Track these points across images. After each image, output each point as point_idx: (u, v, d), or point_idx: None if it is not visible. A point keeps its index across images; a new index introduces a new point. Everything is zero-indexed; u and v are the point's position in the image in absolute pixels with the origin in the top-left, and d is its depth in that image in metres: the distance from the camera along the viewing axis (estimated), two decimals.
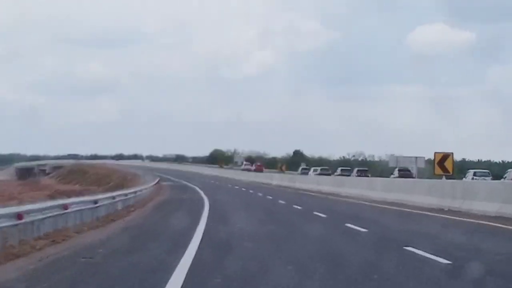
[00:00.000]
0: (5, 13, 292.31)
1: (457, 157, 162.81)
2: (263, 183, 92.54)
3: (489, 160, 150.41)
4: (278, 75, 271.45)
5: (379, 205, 43.47)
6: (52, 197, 53.14)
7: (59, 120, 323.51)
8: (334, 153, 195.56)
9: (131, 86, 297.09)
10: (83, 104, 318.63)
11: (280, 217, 33.06)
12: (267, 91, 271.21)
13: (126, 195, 42.70)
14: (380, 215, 35.55)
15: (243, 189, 74.73)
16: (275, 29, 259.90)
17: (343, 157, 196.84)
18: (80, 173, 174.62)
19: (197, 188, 74.33)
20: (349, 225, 26.80)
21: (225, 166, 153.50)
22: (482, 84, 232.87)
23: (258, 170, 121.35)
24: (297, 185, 77.46)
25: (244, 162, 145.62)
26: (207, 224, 27.14)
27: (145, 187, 59.17)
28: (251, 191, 69.04)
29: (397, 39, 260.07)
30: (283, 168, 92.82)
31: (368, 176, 78.34)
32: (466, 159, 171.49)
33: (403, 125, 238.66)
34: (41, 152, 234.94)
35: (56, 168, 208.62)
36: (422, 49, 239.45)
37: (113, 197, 35.89)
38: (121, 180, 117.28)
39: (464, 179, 63.30)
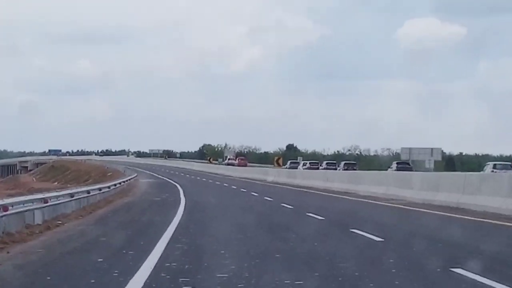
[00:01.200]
0: None
1: (452, 151, 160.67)
2: (257, 180, 78.75)
3: (488, 154, 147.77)
4: (268, 71, 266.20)
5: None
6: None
7: (49, 117, 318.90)
8: (330, 147, 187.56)
9: (123, 83, 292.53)
10: (74, 102, 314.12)
11: (292, 237, 19.15)
12: (258, 87, 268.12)
13: (72, 195, 29.09)
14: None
15: (233, 187, 60.96)
16: (265, 26, 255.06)
17: (338, 151, 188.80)
18: (61, 170, 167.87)
19: (178, 186, 60.67)
20: None
21: (214, 162, 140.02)
22: (474, 79, 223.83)
23: (241, 164, 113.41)
24: (298, 181, 63.44)
25: (228, 157, 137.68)
26: (162, 260, 13.37)
27: (107, 185, 45.21)
28: (242, 189, 55.20)
29: (387, 34, 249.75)
30: (280, 162, 78.08)
31: (355, 170, 71.24)
32: (463, 153, 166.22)
33: (396, 120, 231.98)
34: (31, 149, 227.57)
35: (38, 164, 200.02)
36: (413, 44, 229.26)
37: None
38: (100, 176, 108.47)
39: (482, 172, 54.98)
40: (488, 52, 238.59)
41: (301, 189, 55.84)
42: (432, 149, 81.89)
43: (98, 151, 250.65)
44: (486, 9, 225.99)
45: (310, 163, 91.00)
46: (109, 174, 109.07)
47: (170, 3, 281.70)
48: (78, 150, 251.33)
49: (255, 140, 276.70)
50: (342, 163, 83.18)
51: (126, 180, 61.39)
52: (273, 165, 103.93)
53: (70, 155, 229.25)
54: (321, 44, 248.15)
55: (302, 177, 64.09)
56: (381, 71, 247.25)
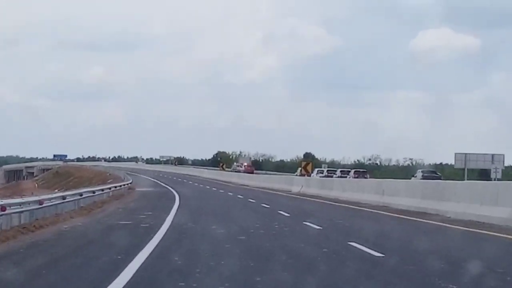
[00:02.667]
0: (11, 17, 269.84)
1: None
2: (279, 190, 61.48)
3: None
4: (282, 79, 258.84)
5: None
6: None
7: (62, 123, 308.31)
8: (350, 156, 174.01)
9: (136, 90, 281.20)
10: (87, 108, 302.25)
11: None
12: (272, 96, 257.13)
13: None
14: None
15: (250, 200, 43.70)
16: (278, 35, 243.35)
17: (358, 160, 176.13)
18: (64, 176, 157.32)
19: (176, 198, 43.79)
20: None
21: (227, 169, 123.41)
22: (488, 89, 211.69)
23: (248, 171, 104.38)
24: (336, 193, 46.07)
25: (235, 163, 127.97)
26: None
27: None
28: (265, 205, 37.92)
29: (401, 44, 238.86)
30: (309, 168, 59.88)
31: (366, 178, 62.24)
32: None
33: (410, 130, 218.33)
34: (44, 155, 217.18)
35: (44, 170, 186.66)
36: (426, 54, 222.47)
37: None
38: (100, 183, 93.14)
39: None
40: (502, 63, 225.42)
41: (347, 205, 38.44)
42: (493, 155, 64.24)
43: (109, 157, 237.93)
44: (501, 20, 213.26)
45: (327, 170, 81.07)
46: (109, 180, 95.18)
47: (184, 10, 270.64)
48: (89, 156, 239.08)
49: (270, 148, 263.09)
50: (352, 171, 74.50)
51: (109, 188, 44.55)
52: (293, 174, 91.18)
53: (80, 161, 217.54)
54: (334, 53, 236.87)
55: (341, 188, 46.51)
56: (395, 81, 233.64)
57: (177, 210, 31.57)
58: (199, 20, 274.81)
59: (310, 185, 55.35)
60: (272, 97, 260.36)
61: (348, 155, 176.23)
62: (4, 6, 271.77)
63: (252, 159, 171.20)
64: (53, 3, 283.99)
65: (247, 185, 76.87)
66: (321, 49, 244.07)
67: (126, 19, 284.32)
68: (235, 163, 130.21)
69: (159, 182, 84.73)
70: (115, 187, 52.85)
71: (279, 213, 31.17)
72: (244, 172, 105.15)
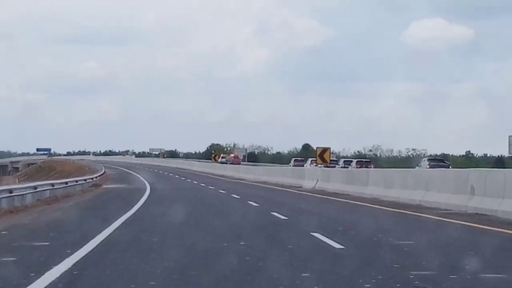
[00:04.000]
0: (2, 12, 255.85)
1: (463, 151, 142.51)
2: (285, 186, 46.13)
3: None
4: (275, 72, 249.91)
5: None
6: None
7: (53, 117, 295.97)
8: (350, 147, 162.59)
9: (129, 84, 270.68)
10: (79, 102, 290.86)
11: None
12: (265, 88, 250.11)
13: None
14: None
15: (252, 203, 28.08)
16: (271, 27, 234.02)
17: (358, 151, 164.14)
18: (47, 171, 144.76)
19: (142, 200, 28.61)
20: None
21: (220, 160, 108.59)
22: (483, 80, 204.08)
23: (235, 162, 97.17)
24: (372, 190, 30.56)
25: (221, 155, 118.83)
26: None
27: None
28: (277, 214, 22.16)
29: (394, 35, 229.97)
30: (327, 157, 43.41)
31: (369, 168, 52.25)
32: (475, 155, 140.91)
33: (406, 121, 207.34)
34: (34, 150, 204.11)
35: (29, 165, 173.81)
36: (419, 45, 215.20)
37: None
38: (81, 176, 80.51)
39: None
40: (495, 54, 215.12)
41: (429, 215, 22.56)
42: None
43: (100, 151, 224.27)
44: (495, 10, 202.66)
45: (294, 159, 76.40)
46: (88, 174, 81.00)
47: (177, 4, 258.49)
48: (79, 151, 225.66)
49: (265, 141, 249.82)
50: (354, 161, 67.83)
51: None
52: (289, 165, 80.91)
53: (71, 155, 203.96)
54: (327, 44, 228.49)
55: (383, 182, 30.65)
56: (390, 72, 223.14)
57: (119, 228, 16.14)
58: (192, 14, 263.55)
59: (330, 178, 39.68)
60: (266, 90, 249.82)
61: (348, 146, 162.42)
62: None
63: (248, 151, 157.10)
64: None
65: (244, 179, 61.33)
66: (314, 41, 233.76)
67: (119, 12, 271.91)
68: (221, 155, 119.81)
69: (138, 176, 69.17)
70: (66, 183, 37.65)
71: (313, 235, 15.59)
72: (231, 163, 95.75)
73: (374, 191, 31.47)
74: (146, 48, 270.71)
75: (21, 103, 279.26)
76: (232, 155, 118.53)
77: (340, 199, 31.64)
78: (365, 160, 70.69)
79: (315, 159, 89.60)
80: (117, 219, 19.06)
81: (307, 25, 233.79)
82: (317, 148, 44.37)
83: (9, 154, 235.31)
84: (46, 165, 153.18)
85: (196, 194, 36.26)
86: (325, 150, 44.24)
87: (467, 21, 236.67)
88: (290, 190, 42.23)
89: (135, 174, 76.65)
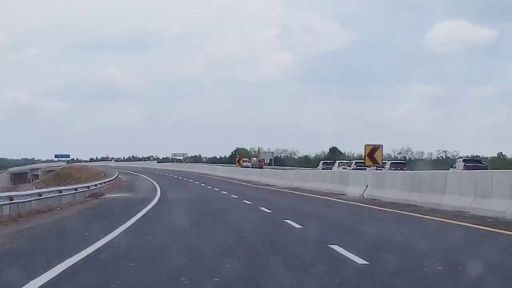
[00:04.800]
0: (25, 19, 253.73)
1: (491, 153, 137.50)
2: (323, 193, 37.19)
3: None
4: (297, 76, 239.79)
5: None
6: None
7: (77, 124, 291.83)
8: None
9: (151, 90, 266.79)
10: (103, 109, 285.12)
11: None
12: (288, 92, 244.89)
13: None
14: None
15: (291, 225, 18.98)
16: (292, 31, 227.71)
17: (387, 154, 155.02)
18: (64, 177, 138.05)
19: (145, 208, 19.72)
20: None
21: (244, 164, 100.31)
22: (506, 81, 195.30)
23: (258, 166, 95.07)
24: (453, 200, 21.30)
25: (243, 159, 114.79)
26: None
27: None
28: (343, 250, 12.88)
29: (417, 37, 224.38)
30: (378, 156, 33.88)
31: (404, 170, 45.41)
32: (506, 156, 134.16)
33: (428, 124, 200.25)
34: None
35: (48, 172, 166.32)
36: (442, 47, 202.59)
37: None
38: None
39: None
40: None
41: None
42: None
43: (123, 157, 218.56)
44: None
45: (356, 163, 66.04)
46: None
47: (197, 8, 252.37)
48: (102, 157, 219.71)
49: (288, 144, 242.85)
50: (388, 163, 61.44)
51: None
52: (317, 168, 75.50)
53: (93, 161, 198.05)
54: (349, 48, 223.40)
55: (474, 190, 21.51)
56: (411, 74, 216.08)
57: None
58: (214, 18, 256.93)
59: (386, 184, 30.44)
60: (289, 93, 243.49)
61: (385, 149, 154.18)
62: (17, 8, 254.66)
63: (275, 154, 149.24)
64: (65, 3, 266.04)
65: (273, 185, 52.27)
66: (336, 44, 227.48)
67: (139, 18, 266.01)
68: (244, 159, 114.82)
69: (153, 182, 60.39)
70: (60, 191, 28.94)
71: None
72: (253, 167, 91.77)
73: (456, 202, 22.28)
74: (169, 54, 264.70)
75: (44, 110, 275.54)
76: (255, 158, 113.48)
77: (412, 214, 22.52)
78: (400, 162, 64.73)
79: (345, 161, 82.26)
80: (64, 261, 10.16)
81: (329, 28, 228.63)
82: (365, 146, 35.02)
83: (31, 161, 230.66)
84: (64, 172, 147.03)
85: (214, 207, 27.24)
86: (375, 148, 34.86)
87: (490, 23, 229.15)
88: (332, 199, 33.15)
89: (150, 180, 67.87)
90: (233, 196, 36.86)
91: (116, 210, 25.68)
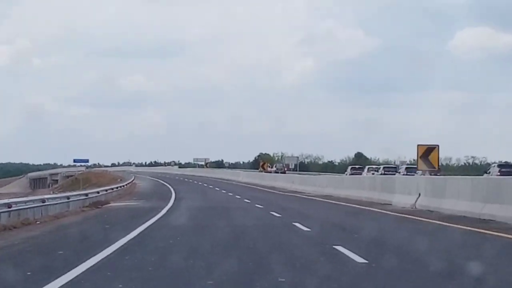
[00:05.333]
0: (49, 26, 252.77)
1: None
2: (360, 202, 31.10)
3: None
4: (319, 83, 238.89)
5: None
6: None
7: (102, 130, 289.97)
8: (405, 155, 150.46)
9: (174, 96, 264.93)
10: (125, 115, 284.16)
11: None
12: (310, 99, 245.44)
13: None
14: None
15: (345, 255, 12.94)
16: (315, 38, 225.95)
17: (413, 159, 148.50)
18: (82, 183, 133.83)
19: (149, 221, 13.52)
20: None
21: (270, 170, 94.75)
22: None
23: (282, 172, 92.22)
24: None
25: (267, 165, 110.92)
26: None
27: None
28: None
29: (440, 44, 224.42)
30: (433, 159, 27.68)
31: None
32: None
33: (452, 130, 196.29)
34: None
35: (67, 177, 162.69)
36: (465, 54, 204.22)
37: None
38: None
39: None
40: None
41: None
42: None
43: (145, 162, 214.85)
44: None
45: (384, 167, 65.92)
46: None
47: (221, 16, 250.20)
48: (124, 162, 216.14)
49: (310, 150, 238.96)
50: (403, 166, 60.70)
51: None
52: (345, 173, 71.13)
53: (115, 166, 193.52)
54: (372, 54, 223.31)
55: None
56: (435, 81, 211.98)
57: None
58: (236, 25, 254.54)
59: (446, 192, 24.20)
60: (311, 100, 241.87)
61: (404, 155, 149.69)
62: (41, 15, 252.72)
63: (299, 160, 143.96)
64: (89, 11, 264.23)
65: (301, 192, 46.13)
66: (359, 51, 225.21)
67: (162, 25, 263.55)
68: (268, 165, 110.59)
69: (169, 188, 54.59)
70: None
71: None
72: (275, 172, 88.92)
73: None
74: (191, 61, 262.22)
75: (67, 116, 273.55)
76: (280, 164, 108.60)
77: (502, 235, 16.39)
78: (392, 166, 63.34)
79: (374, 167, 76.53)
80: None
81: (351, 35, 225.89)
82: (418, 146, 28.78)
83: (53, 166, 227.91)
84: (82, 177, 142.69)
85: (235, 223, 21.20)
86: (430, 148, 28.47)
87: None
88: (376, 210, 26.99)
89: (167, 186, 62.06)
90: (257, 205, 30.79)
91: (107, 225, 19.67)
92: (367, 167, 76.29)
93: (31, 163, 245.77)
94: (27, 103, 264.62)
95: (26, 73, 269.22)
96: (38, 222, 21.28)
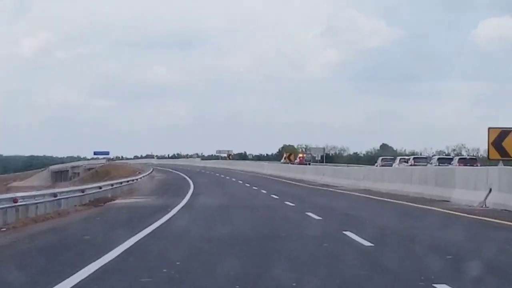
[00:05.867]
0: (71, 18, 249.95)
1: None
2: (414, 198, 25.56)
3: None
4: (342, 73, 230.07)
5: None
6: None
7: (124, 122, 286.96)
8: (431, 147, 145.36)
9: (197, 88, 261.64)
10: (149, 107, 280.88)
11: None
12: (334, 90, 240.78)
13: None
14: None
15: None
16: (338, 28, 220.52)
17: (440, 151, 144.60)
18: (102, 175, 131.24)
19: (151, 226, 7.93)
20: None
21: (296, 162, 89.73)
22: None
23: (302, 163, 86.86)
24: None
25: (284, 156, 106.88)
26: None
27: None
28: None
29: (464, 34, 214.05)
30: (510, 146, 22.16)
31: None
32: None
33: (475, 121, 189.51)
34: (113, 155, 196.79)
35: (89, 170, 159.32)
36: (488, 44, 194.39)
37: None
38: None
39: None
40: None
41: None
42: None
43: (168, 155, 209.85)
44: None
45: (414, 158, 58.86)
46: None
47: (243, 7, 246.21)
48: (146, 154, 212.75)
49: (334, 141, 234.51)
50: (456, 158, 54.28)
51: None
52: (375, 165, 62.53)
53: (138, 158, 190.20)
54: (394, 45, 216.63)
55: None
56: (457, 71, 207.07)
57: None
58: (260, 16, 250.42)
59: None
60: (333, 91, 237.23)
61: (430, 146, 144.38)
62: (63, 7, 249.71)
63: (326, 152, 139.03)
64: (111, 2, 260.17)
65: (334, 186, 40.61)
66: (381, 41, 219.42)
67: (185, 16, 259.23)
68: (284, 155, 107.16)
69: (189, 182, 49.36)
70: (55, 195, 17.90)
71: None
72: (299, 164, 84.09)
73: None
74: (214, 52, 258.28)
75: (90, 108, 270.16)
76: (300, 155, 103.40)
77: None
78: (470, 158, 56.60)
79: (406, 157, 71.22)
80: None
81: (374, 25, 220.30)
82: (489, 130, 23.25)
83: (77, 159, 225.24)
84: (102, 170, 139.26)
85: (262, 229, 15.77)
86: (506, 132, 22.95)
87: None
88: (439, 209, 21.45)
89: (187, 179, 56.87)
90: (287, 203, 25.34)
91: (86, 236, 14.25)
92: (398, 158, 71.63)
93: (54, 155, 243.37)
94: (50, 95, 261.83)
95: (49, 65, 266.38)
96: (4, 229, 15.98)
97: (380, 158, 76.21)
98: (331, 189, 37.78)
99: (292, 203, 25.37)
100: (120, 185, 37.96)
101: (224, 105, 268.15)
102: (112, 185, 36.52)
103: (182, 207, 23.71)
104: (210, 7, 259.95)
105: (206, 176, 67.46)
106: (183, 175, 69.92)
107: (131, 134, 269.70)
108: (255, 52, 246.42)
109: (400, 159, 69.32)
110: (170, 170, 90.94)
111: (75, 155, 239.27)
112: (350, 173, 42.45)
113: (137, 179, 48.15)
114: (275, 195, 31.37)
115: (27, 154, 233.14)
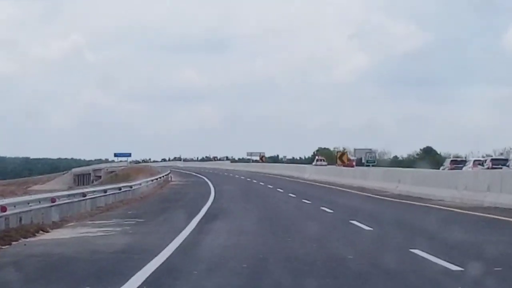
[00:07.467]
0: (101, 20, 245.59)
1: None
2: None
3: None
4: (372, 77, 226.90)
5: None
6: None
7: (154, 125, 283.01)
8: (478, 150, 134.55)
9: (228, 91, 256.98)
10: (179, 110, 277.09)
11: None
12: (364, 94, 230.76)
13: None
14: None
15: None
16: (369, 32, 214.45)
17: (487, 154, 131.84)
18: (122, 178, 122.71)
19: None
20: None
21: (341, 164, 75.81)
22: None
23: (350, 166, 79.10)
24: None
25: (317, 158, 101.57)
26: None
27: None
28: None
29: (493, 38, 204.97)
30: None
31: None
32: None
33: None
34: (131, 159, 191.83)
35: (110, 173, 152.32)
36: None
37: None
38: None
39: None
40: None
41: None
42: None
43: (197, 157, 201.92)
44: None
45: (492, 159, 51.56)
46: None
47: (273, 11, 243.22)
48: (174, 157, 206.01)
49: (367, 145, 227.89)
50: (489, 159, 50.85)
51: None
52: (443, 167, 57.44)
53: (165, 161, 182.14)
54: (425, 49, 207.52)
55: None
56: (490, 76, 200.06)
57: None
58: (289, 19, 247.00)
59: None
60: (364, 95, 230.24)
61: (476, 150, 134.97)
62: (94, 9, 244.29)
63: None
64: (142, 5, 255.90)
65: (431, 200, 25.78)
66: (412, 45, 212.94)
67: (215, 20, 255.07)
68: (316, 158, 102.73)
69: (212, 190, 34.67)
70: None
71: None
72: (347, 166, 77.05)
73: None
74: (244, 55, 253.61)
75: (119, 111, 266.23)
76: (349, 158, 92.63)
77: None
78: (501, 158, 53.75)
79: (480, 159, 57.61)
80: None
81: (404, 29, 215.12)
82: None
83: (105, 162, 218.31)
84: (123, 173, 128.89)
85: None
86: None
87: None
88: None
89: (209, 184, 42.66)
90: (364, 227, 10.52)
91: None
92: (472, 159, 58.96)
93: (82, 158, 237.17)
94: (79, 98, 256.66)
95: (79, 68, 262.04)
96: None
97: (449, 160, 63.69)
98: (431, 205, 23.02)
99: (396, 238, 10.53)
100: (99, 194, 23.53)
101: (255, 108, 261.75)
102: (84, 195, 22.65)
103: (161, 268, 8.99)
104: (241, 11, 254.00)
105: (234, 181, 53.05)
106: (206, 179, 55.58)
107: (161, 137, 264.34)
108: (285, 55, 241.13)
109: (475, 161, 57.20)
110: (195, 173, 76.94)
111: (103, 158, 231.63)
112: (451, 179, 27.11)
113: (136, 185, 33.57)
114: (357, 220, 16.59)
115: (53, 156, 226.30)
